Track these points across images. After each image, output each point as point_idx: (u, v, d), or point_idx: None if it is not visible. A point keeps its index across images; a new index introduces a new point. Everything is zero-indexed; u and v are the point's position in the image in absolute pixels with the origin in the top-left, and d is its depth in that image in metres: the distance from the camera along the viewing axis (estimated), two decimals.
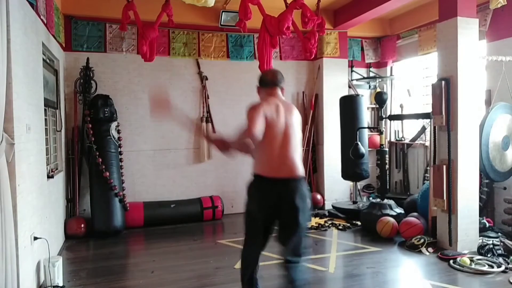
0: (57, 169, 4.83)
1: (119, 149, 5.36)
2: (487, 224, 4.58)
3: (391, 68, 6.99)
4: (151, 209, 5.47)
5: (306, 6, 4.20)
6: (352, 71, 6.89)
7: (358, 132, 5.51)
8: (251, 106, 2.73)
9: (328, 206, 6.32)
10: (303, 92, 6.69)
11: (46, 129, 4.07)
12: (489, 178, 4.59)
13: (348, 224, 5.36)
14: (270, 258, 4.07)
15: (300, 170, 2.66)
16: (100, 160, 5.03)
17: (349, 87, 6.70)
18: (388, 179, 5.71)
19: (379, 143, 6.05)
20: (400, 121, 6.55)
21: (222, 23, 5.82)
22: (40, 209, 3.46)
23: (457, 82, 4.09)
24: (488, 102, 4.82)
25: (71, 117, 5.34)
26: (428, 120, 4.86)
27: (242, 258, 2.82)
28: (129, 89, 5.73)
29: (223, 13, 5.75)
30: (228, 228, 5.53)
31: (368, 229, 5.00)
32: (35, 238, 3.15)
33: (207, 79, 6.08)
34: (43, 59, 3.98)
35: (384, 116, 5.83)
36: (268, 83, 2.85)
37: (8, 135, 2.63)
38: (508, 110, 4.50)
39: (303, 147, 6.53)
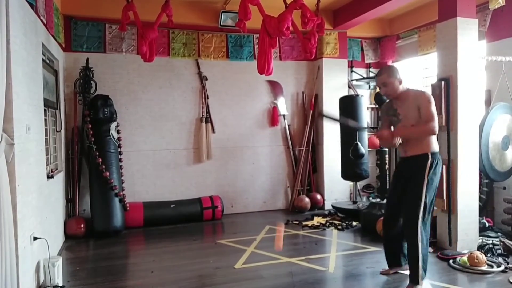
0: (57, 169, 4.83)
1: (119, 149, 5.36)
2: (487, 224, 4.59)
3: None
4: (151, 209, 5.47)
5: (306, 7, 4.19)
6: (351, 71, 6.90)
7: (358, 132, 5.51)
8: (431, 98, 3.23)
9: (328, 206, 6.33)
10: (303, 92, 6.69)
11: (46, 129, 4.07)
12: (489, 178, 4.59)
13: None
14: (270, 258, 4.08)
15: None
16: (100, 160, 5.03)
17: (349, 87, 6.70)
18: (388, 179, 5.71)
19: (379, 143, 6.05)
20: None
21: (221, 24, 5.83)
22: (40, 209, 3.46)
23: (456, 82, 4.09)
24: (488, 102, 4.82)
25: (71, 117, 5.34)
26: None
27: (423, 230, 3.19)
28: (128, 90, 5.74)
29: (222, 13, 5.76)
30: (228, 228, 5.53)
31: (368, 229, 5.01)
32: (35, 238, 3.15)
33: (206, 79, 6.09)
34: (43, 60, 3.98)
35: None
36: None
37: (8, 136, 2.63)
38: (508, 110, 4.50)
39: (303, 147, 6.54)
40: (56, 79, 4.71)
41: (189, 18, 5.78)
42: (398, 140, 3.26)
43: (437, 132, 3.18)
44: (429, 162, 3.16)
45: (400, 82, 3.28)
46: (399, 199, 3.36)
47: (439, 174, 3.24)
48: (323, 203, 6.42)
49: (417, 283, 3.16)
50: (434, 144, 3.24)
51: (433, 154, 3.20)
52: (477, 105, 4.29)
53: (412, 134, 3.24)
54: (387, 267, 3.66)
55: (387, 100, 3.51)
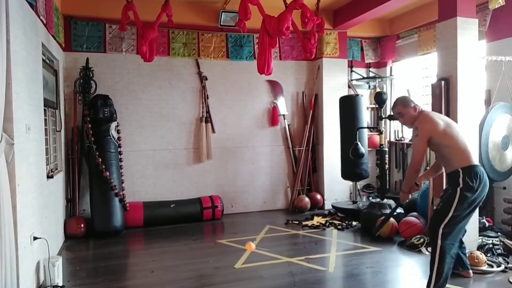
0: (56, 169, 4.83)
1: (119, 149, 5.36)
2: (487, 224, 4.59)
3: (391, 68, 7.00)
4: (150, 209, 5.47)
5: (306, 6, 4.19)
6: (351, 71, 6.89)
7: (357, 132, 5.52)
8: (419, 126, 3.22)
9: (328, 206, 6.33)
10: (303, 92, 6.69)
11: (45, 129, 4.07)
12: (488, 178, 4.58)
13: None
14: (271, 258, 4.08)
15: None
16: (100, 160, 5.03)
17: (349, 87, 6.70)
18: (388, 179, 5.72)
19: (378, 143, 6.06)
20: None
21: (221, 23, 5.83)
22: (40, 209, 3.46)
23: (456, 82, 4.09)
24: (488, 102, 4.82)
25: (70, 117, 5.34)
26: None
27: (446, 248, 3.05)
28: (128, 89, 5.74)
29: (222, 13, 5.76)
30: (228, 228, 5.53)
31: (368, 229, 5.00)
32: (35, 238, 3.15)
33: (206, 79, 6.09)
34: (43, 60, 3.98)
35: (383, 116, 5.83)
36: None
37: (7, 135, 2.64)
38: (508, 110, 4.50)
39: (303, 147, 6.54)
40: (56, 79, 4.71)
41: (189, 18, 5.78)
42: (420, 185, 3.33)
43: (416, 166, 3.14)
44: (460, 178, 3.03)
45: (415, 110, 3.25)
46: None
47: (478, 190, 3.04)
48: (323, 203, 6.42)
49: None
50: (465, 158, 3.07)
51: (464, 169, 3.05)
52: (477, 105, 4.29)
53: (408, 179, 3.29)
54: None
55: None
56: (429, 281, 3.07)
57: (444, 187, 3.55)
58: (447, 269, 3.04)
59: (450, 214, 3.02)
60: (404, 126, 3.43)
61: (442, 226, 3.03)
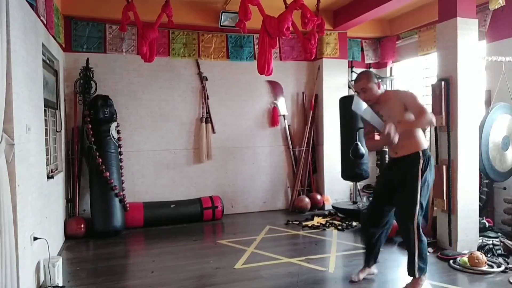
0: (57, 169, 4.84)
1: (119, 150, 5.36)
2: (487, 224, 4.58)
3: (391, 68, 7.00)
4: (151, 209, 5.47)
5: (306, 7, 4.20)
6: (352, 71, 6.89)
7: (358, 132, 5.51)
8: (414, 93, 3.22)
9: (328, 206, 6.32)
10: (303, 93, 6.69)
11: (46, 129, 4.07)
12: (489, 178, 4.59)
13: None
14: (271, 258, 4.09)
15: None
16: (100, 160, 5.03)
17: (349, 87, 6.70)
18: None
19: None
20: None
21: (221, 24, 5.83)
22: (40, 210, 3.46)
23: (457, 82, 4.09)
24: (488, 103, 4.82)
25: (71, 117, 5.34)
26: None
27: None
28: (129, 90, 5.74)
29: (222, 13, 5.76)
30: (228, 228, 5.53)
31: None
32: (35, 239, 3.15)
33: (206, 79, 6.09)
34: (43, 60, 3.98)
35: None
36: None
37: (8, 136, 2.64)
38: (508, 110, 4.50)
39: (303, 147, 6.54)
40: (56, 79, 4.72)
41: (189, 18, 5.78)
42: (397, 137, 3.04)
43: (435, 121, 3.11)
44: (421, 160, 3.06)
45: (379, 86, 3.20)
46: (387, 200, 3.29)
47: (433, 171, 3.17)
48: (323, 204, 6.41)
49: (413, 275, 3.14)
50: (424, 142, 3.15)
51: (424, 152, 3.11)
52: (477, 105, 4.29)
53: (413, 126, 3.11)
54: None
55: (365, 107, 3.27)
56: (413, 268, 3.13)
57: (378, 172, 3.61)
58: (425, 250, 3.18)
59: (418, 202, 3.07)
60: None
61: (416, 217, 3.08)
